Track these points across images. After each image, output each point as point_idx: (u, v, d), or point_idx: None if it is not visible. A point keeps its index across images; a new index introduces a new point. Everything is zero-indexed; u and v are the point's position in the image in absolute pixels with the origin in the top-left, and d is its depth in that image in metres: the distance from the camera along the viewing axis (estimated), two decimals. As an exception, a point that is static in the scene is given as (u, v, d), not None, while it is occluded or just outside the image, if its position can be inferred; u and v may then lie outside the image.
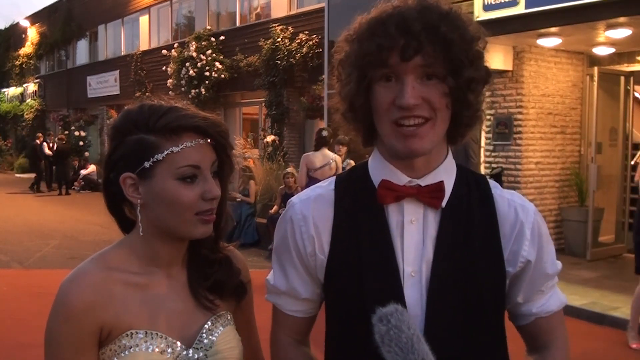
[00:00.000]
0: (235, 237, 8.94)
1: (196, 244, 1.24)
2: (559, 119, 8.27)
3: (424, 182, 1.16)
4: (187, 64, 14.90)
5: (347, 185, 1.24)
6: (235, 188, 9.48)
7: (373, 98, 1.12)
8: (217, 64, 14.54)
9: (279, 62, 12.56)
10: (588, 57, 8.45)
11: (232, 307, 1.30)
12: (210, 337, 1.21)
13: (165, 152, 1.13)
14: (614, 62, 8.20)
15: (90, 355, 1.12)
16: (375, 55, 1.07)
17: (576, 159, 8.59)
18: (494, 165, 8.11)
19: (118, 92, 20.45)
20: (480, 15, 7.07)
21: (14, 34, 29.90)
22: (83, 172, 18.69)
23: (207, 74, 14.52)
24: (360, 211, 1.19)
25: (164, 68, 16.36)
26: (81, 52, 24.50)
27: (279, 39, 12.69)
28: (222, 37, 15.03)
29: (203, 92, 14.62)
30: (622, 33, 6.75)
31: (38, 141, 18.87)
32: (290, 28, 12.81)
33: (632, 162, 8.38)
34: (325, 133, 7.50)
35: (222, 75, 14.48)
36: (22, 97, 28.38)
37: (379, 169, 1.20)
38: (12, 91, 29.34)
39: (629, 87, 8.36)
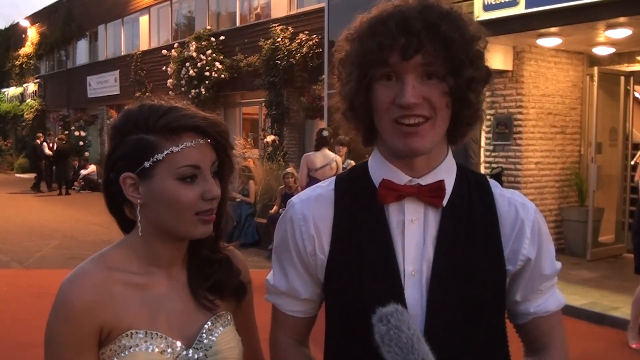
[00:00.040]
0: (235, 237, 8.95)
1: (196, 244, 1.24)
2: (559, 119, 8.27)
3: (425, 181, 1.16)
4: (187, 64, 14.90)
5: (347, 185, 1.24)
6: (235, 188, 9.47)
7: (373, 97, 1.12)
8: (217, 64, 14.54)
9: (279, 62, 12.56)
10: (588, 57, 8.44)
11: (232, 307, 1.30)
12: (210, 337, 1.20)
13: (165, 152, 1.13)
14: (614, 62, 8.20)
15: (90, 355, 1.12)
16: (375, 54, 1.07)
17: (576, 159, 8.59)
18: (494, 165, 8.11)
19: (118, 92, 20.45)
20: (480, 15, 7.07)
21: (14, 34, 29.90)
22: (83, 172, 18.68)
23: (207, 74, 14.52)
24: (361, 211, 1.19)
25: (164, 68, 16.37)
26: (81, 52, 24.51)
27: (279, 39, 12.69)
28: (222, 37, 15.03)
29: (203, 92, 14.62)
30: (622, 33, 6.75)
31: (38, 141, 18.86)
32: (290, 28, 12.81)
33: (632, 162, 8.37)
34: (325, 133, 7.49)
35: (222, 75, 14.48)
36: (22, 97, 28.37)
37: (379, 169, 1.20)
38: (12, 91, 29.33)
39: (629, 87, 8.36)
